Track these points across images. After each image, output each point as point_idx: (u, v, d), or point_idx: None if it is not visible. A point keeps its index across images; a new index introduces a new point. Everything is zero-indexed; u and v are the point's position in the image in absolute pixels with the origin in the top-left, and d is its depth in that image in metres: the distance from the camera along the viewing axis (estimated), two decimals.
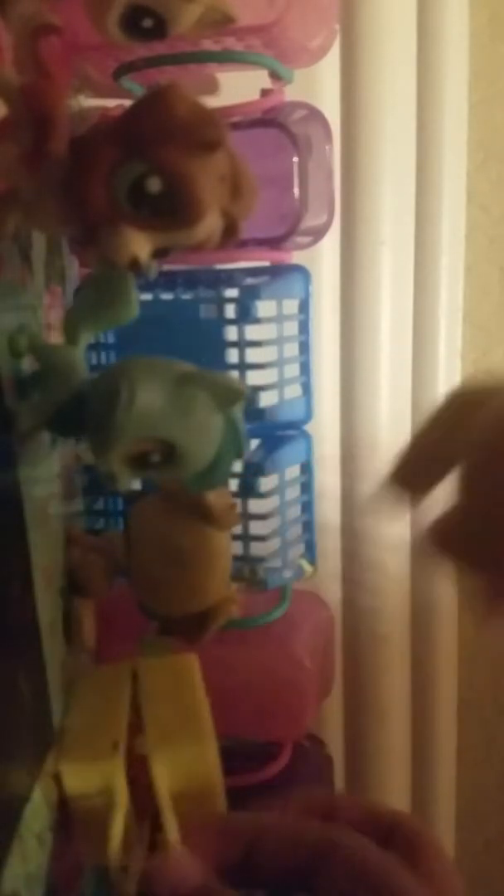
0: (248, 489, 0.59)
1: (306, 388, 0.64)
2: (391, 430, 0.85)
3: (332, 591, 0.87)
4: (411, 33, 0.81)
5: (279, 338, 0.60)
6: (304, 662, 0.62)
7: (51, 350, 0.42)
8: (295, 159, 0.56)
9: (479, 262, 0.89)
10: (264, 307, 0.58)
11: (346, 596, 0.89)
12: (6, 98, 0.35)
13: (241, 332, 0.57)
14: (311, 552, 0.65)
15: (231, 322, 0.58)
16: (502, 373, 0.29)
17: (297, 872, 0.29)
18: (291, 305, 0.62)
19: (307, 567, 0.64)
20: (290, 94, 0.59)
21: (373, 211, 0.82)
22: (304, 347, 0.63)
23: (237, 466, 0.56)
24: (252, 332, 0.58)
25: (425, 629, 0.93)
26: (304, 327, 0.62)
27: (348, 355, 0.85)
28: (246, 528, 0.60)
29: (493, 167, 0.88)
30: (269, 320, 0.59)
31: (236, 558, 0.57)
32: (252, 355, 0.58)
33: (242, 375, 0.58)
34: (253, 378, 0.58)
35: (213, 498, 0.49)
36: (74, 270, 0.57)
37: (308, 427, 0.65)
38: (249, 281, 0.59)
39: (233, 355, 0.58)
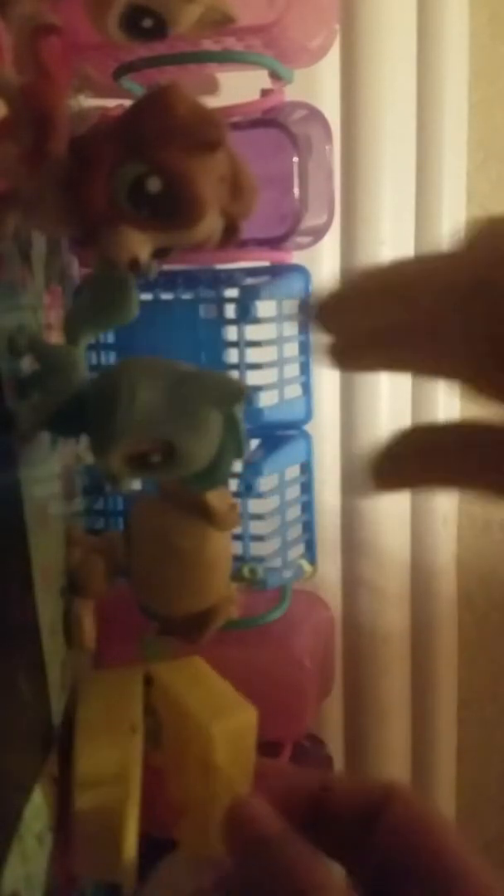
0: (248, 489, 0.59)
1: (306, 388, 0.64)
2: (391, 430, 0.85)
3: (332, 591, 0.87)
4: (411, 33, 0.81)
5: (279, 338, 0.60)
6: (304, 662, 0.62)
7: (51, 350, 0.42)
8: (295, 159, 0.56)
9: None
10: (264, 307, 0.58)
11: (346, 596, 0.89)
12: (6, 98, 0.35)
13: (240, 332, 0.57)
14: (311, 552, 0.65)
15: (231, 322, 0.58)
16: None
17: (360, 822, 0.30)
18: (291, 305, 0.62)
19: (307, 567, 0.64)
20: (290, 94, 0.59)
21: (373, 211, 0.82)
22: (304, 347, 0.63)
23: (237, 466, 0.56)
24: (252, 332, 0.58)
25: (425, 629, 0.93)
26: (304, 327, 0.62)
27: None
28: (246, 528, 0.60)
29: (493, 167, 0.88)
30: (268, 320, 0.59)
31: (236, 558, 0.57)
32: (252, 355, 0.58)
33: (242, 375, 0.58)
34: (253, 378, 0.58)
35: (214, 498, 0.49)
36: (74, 270, 0.57)
37: (308, 427, 0.65)
38: (249, 281, 0.59)
39: (233, 355, 0.59)
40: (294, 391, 0.63)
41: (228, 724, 0.44)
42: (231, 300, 0.58)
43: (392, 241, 0.83)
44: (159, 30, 0.41)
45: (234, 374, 0.58)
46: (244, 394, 0.38)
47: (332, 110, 0.78)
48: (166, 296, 0.60)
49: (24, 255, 0.46)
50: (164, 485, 0.50)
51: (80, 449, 0.58)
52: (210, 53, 0.56)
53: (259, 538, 0.61)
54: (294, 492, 0.65)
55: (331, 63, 0.77)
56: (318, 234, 0.63)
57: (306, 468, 0.65)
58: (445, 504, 0.91)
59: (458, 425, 0.25)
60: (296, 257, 0.62)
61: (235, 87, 0.61)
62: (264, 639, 0.62)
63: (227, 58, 0.56)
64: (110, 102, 0.59)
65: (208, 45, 0.55)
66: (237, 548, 0.59)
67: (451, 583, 0.93)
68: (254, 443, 0.61)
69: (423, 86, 0.83)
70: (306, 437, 0.65)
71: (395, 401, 0.86)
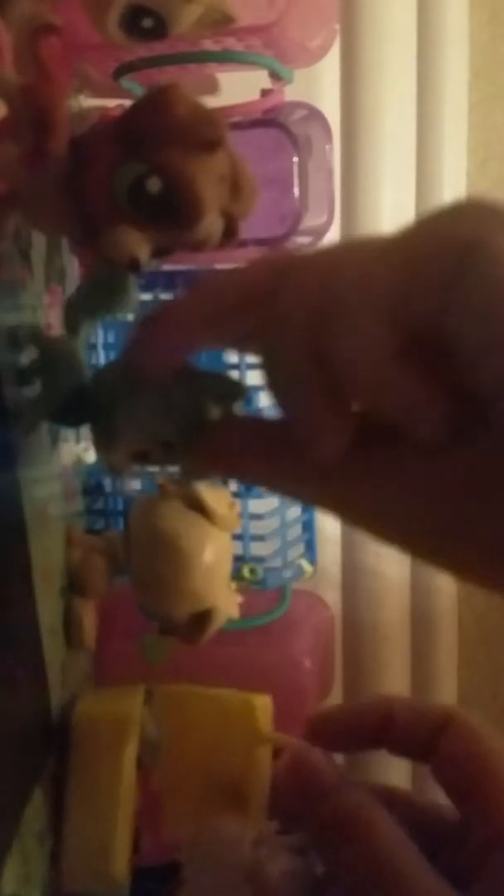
0: (248, 489, 0.59)
1: None
2: None
3: (332, 591, 0.87)
4: (411, 33, 0.81)
5: None
6: (304, 662, 0.62)
7: (52, 340, 0.42)
8: (295, 159, 0.56)
9: None
10: None
11: (346, 596, 0.89)
12: (6, 98, 0.35)
13: None
14: (311, 552, 0.65)
15: None
16: None
17: (421, 742, 0.31)
18: None
19: (307, 567, 0.64)
20: (290, 94, 0.59)
21: (373, 211, 0.82)
22: None
23: None
24: None
25: (425, 629, 0.93)
26: None
27: None
28: (246, 528, 0.60)
29: (493, 167, 0.88)
30: None
31: (236, 558, 0.57)
32: (252, 355, 0.58)
33: (242, 375, 0.58)
34: (253, 377, 0.58)
35: (213, 498, 0.49)
36: (74, 270, 0.56)
37: None
38: None
39: (233, 355, 0.58)
40: None
41: (263, 700, 0.46)
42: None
43: None
44: (159, 30, 0.41)
45: (234, 373, 0.58)
46: (244, 393, 0.38)
47: (332, 110, 0.78)
48: (166, 296, 0.60)
49: (24, 255, 0.46)
50: (164, 485, 0.50)
51: (80, 449, 0.58)
52: (210, 53, 0.56)
53: (259, 538, 0.61)
54: None
55: (331, 63, 0.77)
56: (318, 234, 0.63)
57: None
58: None
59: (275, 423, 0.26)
60: None
61: (235, 87, 0.61)
62: (264, 639, 0.62)
63: (227, 58, 0.56)
64: (110, 102, 0.59)
65: (208, 45, 0.55)
66: (237, 548, 0.59)
67: (451, 582, 0.93)
68: None
69: (423, 86, 0.83)
70: None
71: None
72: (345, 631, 0.89)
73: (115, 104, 0.59)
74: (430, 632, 0.93)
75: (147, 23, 0.40)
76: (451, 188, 0.85)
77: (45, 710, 0.46)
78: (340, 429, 0.22)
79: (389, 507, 0.23)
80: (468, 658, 0.97)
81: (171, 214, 0.34)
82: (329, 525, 0.85)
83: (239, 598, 0.52)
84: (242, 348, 0.28)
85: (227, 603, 0.51)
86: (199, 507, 0.49)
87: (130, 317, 0.61)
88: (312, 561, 0.65)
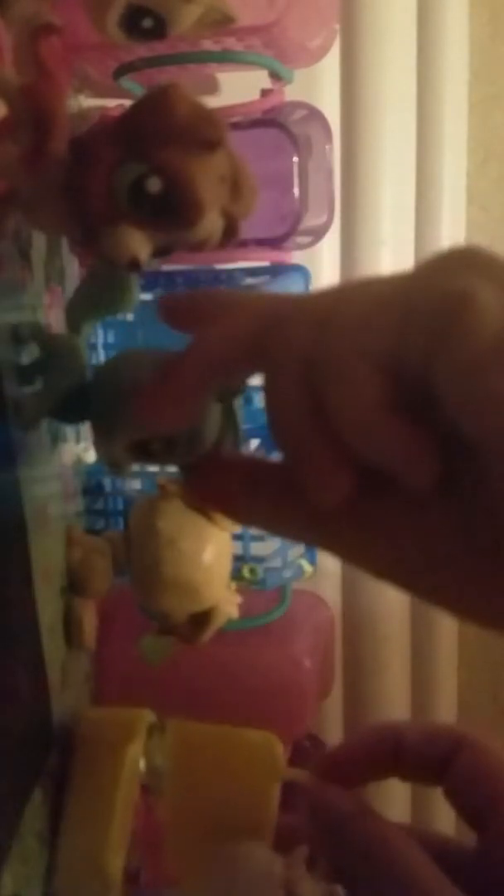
0: None
1: None
2: None
3: (332, 591, 0.87)
4: (411, 33, 0.81)
5: None
6: (304, 662, 0.62)
7: (54, 338, 0.42)
8: (295, 159, 0.56)
9: None
10: None
11: (346, 596, 0.89)
12: (6, 98, 0.35)
13: None
14: (311, 552, 0.65)
15: None
16: None
17: (434, 766, 0.31)
18: None
19: (307, 567, 0.64)
20: (290, 94, 0.59)
21: (373, 211, 0.82)
22: None
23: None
24: None
25: (425, 629, 0.93)
26: None
27: None
28: (246, 528, 0.60)
29: (493, 167, 0.88)
30: None
31: (236, 558, 0.57)
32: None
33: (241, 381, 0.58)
34: (252, 377, 0.58)
35: None
36: (74, 270, 0.57)
37: None
38: (249, 281, 0.59)
39: None
40: None
41: (272, 738, 0.46)
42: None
43: (392, 241, 0.83)
44: (159, 30, 0.41)
45: None
46: (244, 389, 0.39)
47: (332, 110, 0.78)
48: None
49: (24, 255, 0.46)
50: (165, 485, 0.50)
51: (80, 449, 0.58)
52: (210, 53, 0.56)
53: (259, 538, 0.61)
54: None
55: (331, 63, 0.77)
56: (318, 234, 0.63)
57: None
58: None
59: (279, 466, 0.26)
60: (296, 257, 0.62)
61: (235, 87, 0.61)
62: (264, 639, 0.62)
63: (227, 58, 0.56)
64: (110, 102, 0.59)
65: (208, 45, 0.55)
66: (237, 548, 0.59)
67: None
68: (254, 443, 0.61)
69: (423, 86, 0.83)
70: None
71: None
72: (345, 631, 0.89)
73: (115, 104, 0.59)
74: (430, 632, 0.93)
75: (147, 23, 0.40)
76: (451, 188, 0.85)
77: (45, 710, 0.46)
78: (340, 475, 0.23)
79: (382, 552, 0.24)
80: (468, 658, 0.97)
81: (171, 214, 0.34)
82: None
83: (239, 598, 0.52)
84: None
85: (227, 603, 0.51)
86: (200, 508, 0.49)
87: (130, 316, 0.61)
88: (312, 561, 0.65)
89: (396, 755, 0.32)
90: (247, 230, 0.38)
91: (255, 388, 0.58)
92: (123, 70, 0.57)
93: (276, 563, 0.62)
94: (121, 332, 0.61)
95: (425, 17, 0.81)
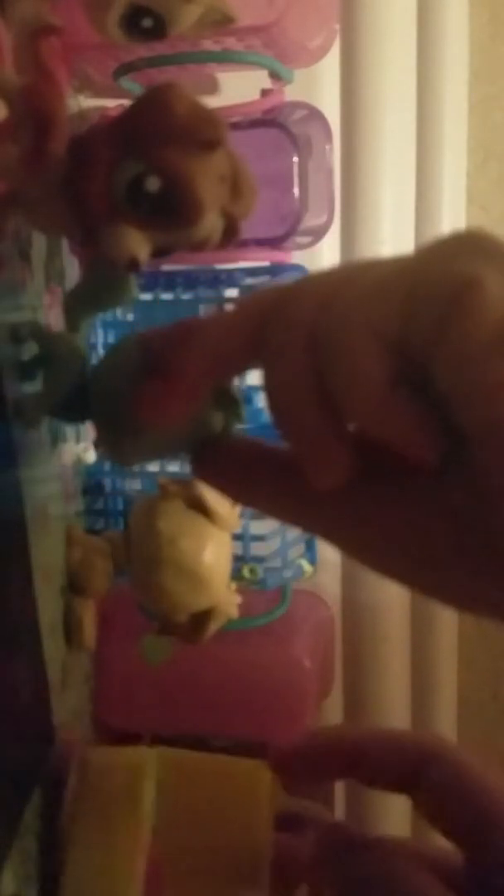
0: None
1: None
2: None
3: (332, 591, 0.87)
4: (411, 33, 0.81)
5: None
6: (304, 662, 0.62)
7: (53, 336, 0.42)
8: (295, 159, 0.56)
9: None
10: None
11: (346, 596, 0.89)
12: (6, 98, 0.35)
13: None
14: (311, 552, 0.65)
15: None
16: None
17: (401, 779, 0.30)
18: None
19: (307, 567, 0.64)
20: (290, 94, 0.59)
21: (373, 211, 0.82)
22: None
23: None
24: None
25: (425, 629, 0.93)
26: None
27: None
28: (246, 528, 0.60)
29: (493, 167, 0.88)
30: None
31: (236, 558, 0.57)
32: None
33: (242, 375, 0.58)
34: (252, 377, 0.58)
35: (214, 498, 0.49)
36: (74, 270, 0.57)
37: None
38: (249, 281, 0.59)
39: None
40: None
41: (266, 771, 0.44)
42: (231, 300, 0.58)
43: (392, 241, 0.83)
44: (159, 30, 0.41)
45: None
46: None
47: (332, 110, 0.78)
48: (166, 296, 0.60)
49: (24, 255, 0.46)
50: (165, 485, 0.50)
51: (80, 449, 0.58)
52: (210, 53, 0.56)
53: (259, 538, 0.61)
54: None
55: (331, 63, 0.77)
56: (318, 234, 0.63)
57: None
58: None
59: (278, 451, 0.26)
60: (296, 257, 0.62)
61: (235, 87, 0.61)
62: (264, 639, 0.62)
63: (227, 58, 0.56)
64: (110, 102, 0.60)
65: (208, 45, 0.55)
66: (237, 548, 0.59)
67: None
68: None
69: (423, 86, 0.83)
70: None
71: None
72: (345, 631, 0.89)
73: (115, 104, 0.59)
74: (430, 632, 0.93)
75: (147, 23, 0.40)
76: (451, 188, 0.85)
77: (45, 710, 0.46)
78: (340, 454, 0.23)
79: (377, 543, 0.24)
80: (468, 658, 0.97)
81: (171, 213, 0.34)
82: None
83: (239, 598, 0.52)
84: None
85: (227, 603, 0.51)
86: (200, 507, 0.49)
87: (130, 316, 0.61)
88: (312, 561, 0.65)
89: (356, 762, 0.31)
90: (247, 230, 0.38)
91: (255, 389, 0.58)
92: (123, 70, 0.57)
93: (276, 563, 0.62)
94: (121, 332, 0.61)
95: (425, 17, 0.81)
